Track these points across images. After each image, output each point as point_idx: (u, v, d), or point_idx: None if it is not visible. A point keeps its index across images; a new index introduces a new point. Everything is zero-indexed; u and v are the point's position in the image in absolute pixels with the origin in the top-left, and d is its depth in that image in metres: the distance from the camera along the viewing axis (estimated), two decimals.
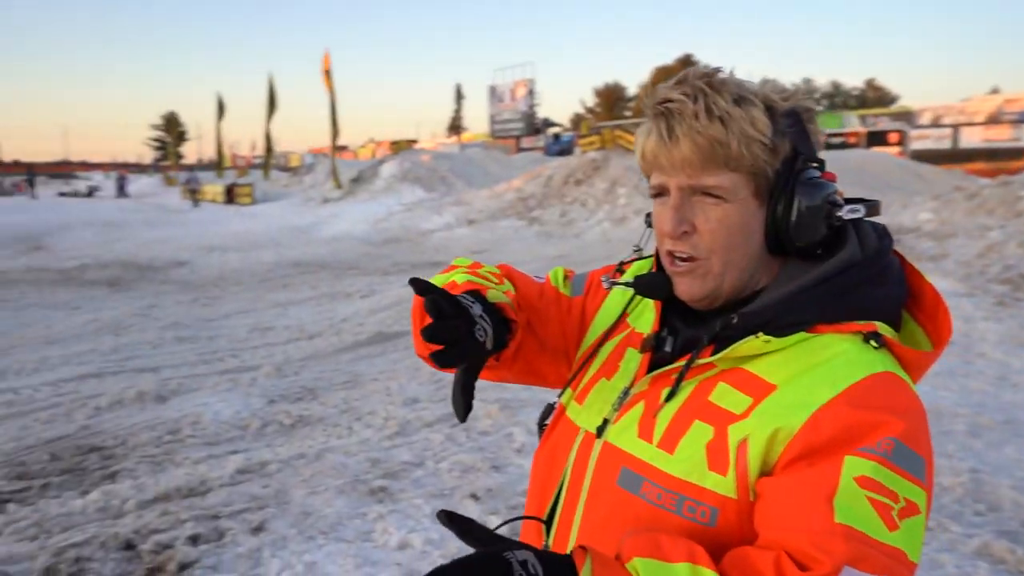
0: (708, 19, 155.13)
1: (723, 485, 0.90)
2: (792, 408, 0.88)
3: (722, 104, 0.93)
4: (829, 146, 26.16)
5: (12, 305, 10.57)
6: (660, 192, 1.01)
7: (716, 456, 0.91)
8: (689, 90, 0.95)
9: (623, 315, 1.17)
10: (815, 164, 0.99)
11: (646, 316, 1.12)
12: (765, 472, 0.88)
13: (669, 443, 0.94)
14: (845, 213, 0.97)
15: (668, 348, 1.05)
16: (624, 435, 1.00)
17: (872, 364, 0.91)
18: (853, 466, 0.83)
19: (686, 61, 70.26)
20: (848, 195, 1.03)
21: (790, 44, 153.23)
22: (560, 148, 39.10)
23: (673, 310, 1.07)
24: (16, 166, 76.06)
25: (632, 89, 72.17)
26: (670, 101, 0.96)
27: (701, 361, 0.97)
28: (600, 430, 1.03)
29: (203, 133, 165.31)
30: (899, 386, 0.90)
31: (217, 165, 48.54)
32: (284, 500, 4.12)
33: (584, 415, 1.08)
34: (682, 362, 0.99)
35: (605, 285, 1.15)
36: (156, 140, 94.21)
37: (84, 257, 16.21)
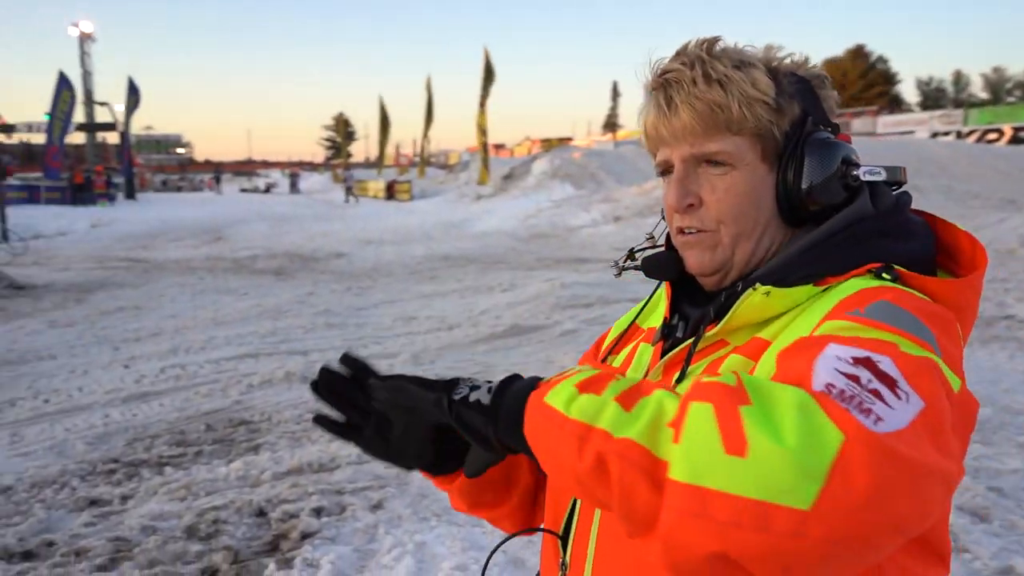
0: (879, 9, 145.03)
1: None
2: (784, 339, 0.83)
3: (720, 68, 0.91)
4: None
5: (191, 290, 11.60)
6: (666, 169, 0.98)
7: None
8: (687, 59, 0.93)
9: (632, 325, 1.13)
10: (826, 128, 0.95)
11: (658, 311, 1.07)
12: None
13: None
14: (863, 173, 0.92)
15: (679, 334, 1.00)
16: None
17: (878, 284, 0.84)
18: (827, 328, 0.77)
19: (857, 52, 66.08)
20: None
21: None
22: None
23: (683, 297, 1.02)
24: (207, 165, 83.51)
25: None
26: (668, 72, 0.93)
27: (708, 334, 0.91)
28: None
29: (370, 132, 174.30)
30: (907, 292, 0.82)
31: (378, 163, 50.98)
32: (404, 481, 4.28)
33: None
34: (691, 341, 0.94)
35: (613, 270, 1.10)
36: (327, 140, 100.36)
37: (256, 248, 17.54)
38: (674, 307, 1.03)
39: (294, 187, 50.51)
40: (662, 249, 1.06)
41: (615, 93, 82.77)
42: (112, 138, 41.73)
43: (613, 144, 51.52)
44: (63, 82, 31.02)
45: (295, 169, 61.17)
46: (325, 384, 0.92)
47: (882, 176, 0.92)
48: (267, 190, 53.81)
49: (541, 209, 23.31)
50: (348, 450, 4.79)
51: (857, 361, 0.68)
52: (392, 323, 8.87)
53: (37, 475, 4.51)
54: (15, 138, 44.53)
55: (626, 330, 1.13)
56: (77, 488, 4.34)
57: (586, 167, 29.98)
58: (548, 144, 50.84)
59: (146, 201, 37.99)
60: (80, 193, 31.72)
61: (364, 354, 4.68)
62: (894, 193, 0.96)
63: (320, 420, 0.94)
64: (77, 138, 39.02)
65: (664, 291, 1.06)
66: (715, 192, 0.93)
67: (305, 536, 3.68)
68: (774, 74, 0.92)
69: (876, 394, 0.65)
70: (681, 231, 0.97)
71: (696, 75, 0.91)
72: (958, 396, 0.72)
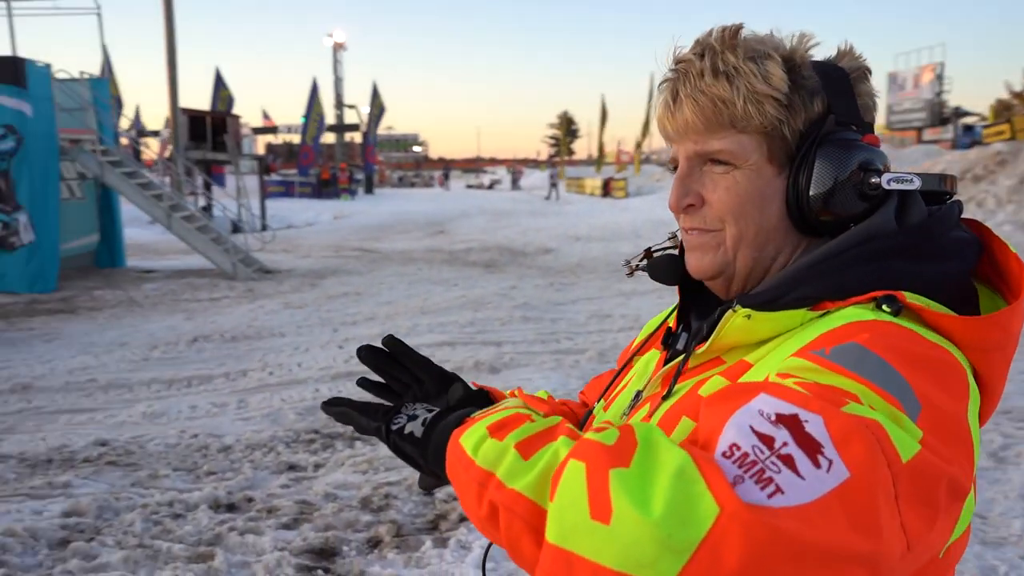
0: None
1: None
2: (759, 372, 0.77)
3: (731, 59, 0.83)
4: None
5: (408, 279, 12.48)
6: (674, 166, 0.93)
7: None
8: (700, 48, 0.86)
9: (663, 324, 1.07)
10: (855, 127, 0.84)
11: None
12: None
13: None
14: (886, 181, 0.81)
15: (680, 345, 0.96)
16: None
17: (870, 318, 0.74)
18: (786, 367, 0.71)
19: None
20: None
21: None
22: (973, 140, 34.16)
23: (694, 306, 0.98)
24: (439, 162, 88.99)
25: None
26: (679, 63, 0.87)
27: (699, 352, 0.85)
28: None
29: (592, 130, 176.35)
30: (901, 332, 0.72)
31: (598, 161, 51.35)
32: None
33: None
34: (680, 359, 0.89)
35: (625, 270, 1.08)
36: (552, 138, 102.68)
37: (472, 241, 18.45)
38: (684, 314, 0.99)
39: (515, 183, 52.39)
40: (674, 251, 1.01)
41: None
42: (359, 138, 45.69)
43: None
44: (315, 88, 34.50)
45: (518, 166, 63.40)
46: (368, 357, 1.01)
47: (914, 184, 0.81)
48: (491, 186, 56.34)
49: None
50: None
51: (780, 419, 0.61)
52: (587, 320, 8.95)
53: (253, 438, 5.12)
54: (280, 138, 50.43)
55: (655, 330, 1.08)
56: (281, 453, 4.87)
57: None
58: None
59: (383, 196, 41.32)
60: (326, 188, 35.24)
61: (554, 348, 4.84)
62: (941, 205, 0.84)
63: (363, 383, 1.03)
64: (329, 138, 43.23)
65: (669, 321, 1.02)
66: (716, 191, 0.87)
67: (463, 519, 3.85)
68: (794, 67, 0.84)
69: (787, 460, 0.58)
70: (687, 232, 0.92)
71: (704, 67, 0.84)
72: (914, 463, 0.61)
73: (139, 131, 31.32)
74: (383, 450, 4.86)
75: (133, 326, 8.96)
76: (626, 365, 1.09)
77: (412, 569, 3.42)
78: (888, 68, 50.24)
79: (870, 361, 0.67)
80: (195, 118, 22.18)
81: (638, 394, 0.96)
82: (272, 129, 42.80)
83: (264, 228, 20.86)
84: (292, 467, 4.66)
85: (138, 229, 18.00)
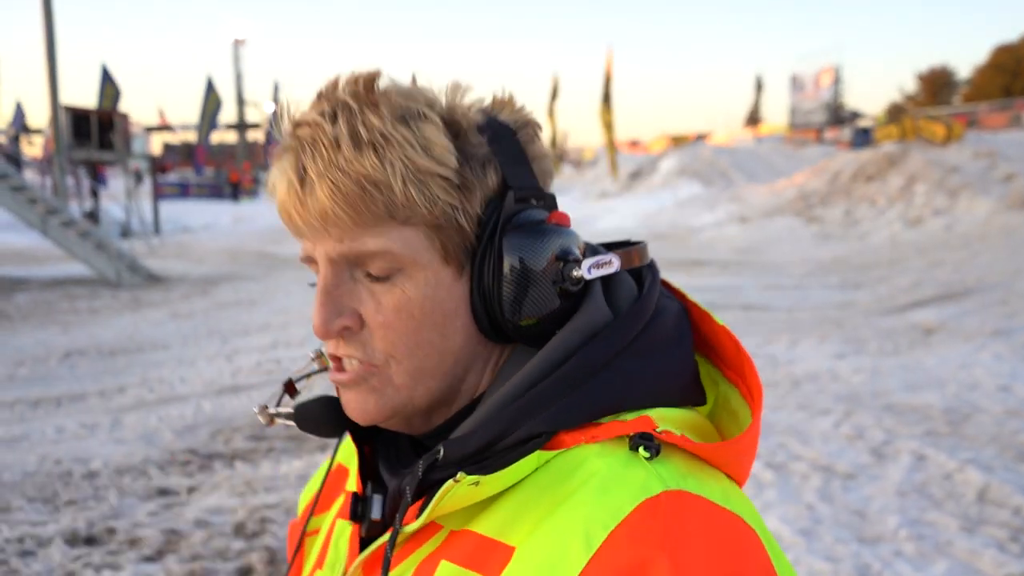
0: None
1: None
2: None
3: (375, 124, 0.61)
4: None
5: (306, 285, 12.06)
6: (313, 269, 0.70)
7: None
8: (329, 106, 0.63)
9: (335, 466, 0.85)
10: (536, 201, 0.67)
11: (354, 469, 0.79)
12: None
13: None
14: (587, 270, 0.65)
15: (376, 514, 0.73)
16: None
17: (643, 486, 0.58)
18: None
19: None
20: None
21: None
22: (867, 141, 36.03)
23: (380, 453, 0.75)
24: None
25: (964, 72, 63.74)
26: (300, 126, 0.64)
27: (408, 528, 0.63)
28: None
29: None
30: (687, 522, 0.57)
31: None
32: None
33: None
34: (388, 537, 0.66)
35: (262, 419, 0.77)
36: None
37: None
38: (367, 468, 0.75)
39: None
40: (326, 394, 0.78)
41: (758, 86, 79.38)
42: (262, 137, 44.38)
43: (755, 140, 49.59)
44: (210, 87, 33.25)
45: None
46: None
47: (615, 266, 0.66)
48: None
49: (664, 208, 22.77)
50: None
51: None
52: None
53: (123, 462, 4.76)
54: (177, 138, 48.43)
55: (326, 474, 0.85)
56: (153, 477, 4.55)
57: (716, 165, 29.03)
58: (677, 141, 49.49)
59: None
60: (226, 189, 34.07)
61: None
62: (643, 276, 0.71)
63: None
64: (231, 137, 41.80)
65: (352, 447, 0.79)
66: (380, 312, 0.65)
67: None
68: (459, 132, 0.64)
69: None
70: (338, 363, 0.68)
71: (339, 133, 0.62)
72: None
73: (20, 129, 29.48)
74: (264, 470, 4.61)
75: None
76: (298, 549, 0.86)
77: None
78: (792, 70, 52.54)
79: None
80: (79, 116, 20.97)
81: None
82: (168, 128, 41.05)
83: (157, 232, 19.93)
84: (163, 492, 4.34)
85: (14, 235, 16.86)
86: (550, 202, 0.68)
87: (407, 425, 0.70)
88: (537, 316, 0.65)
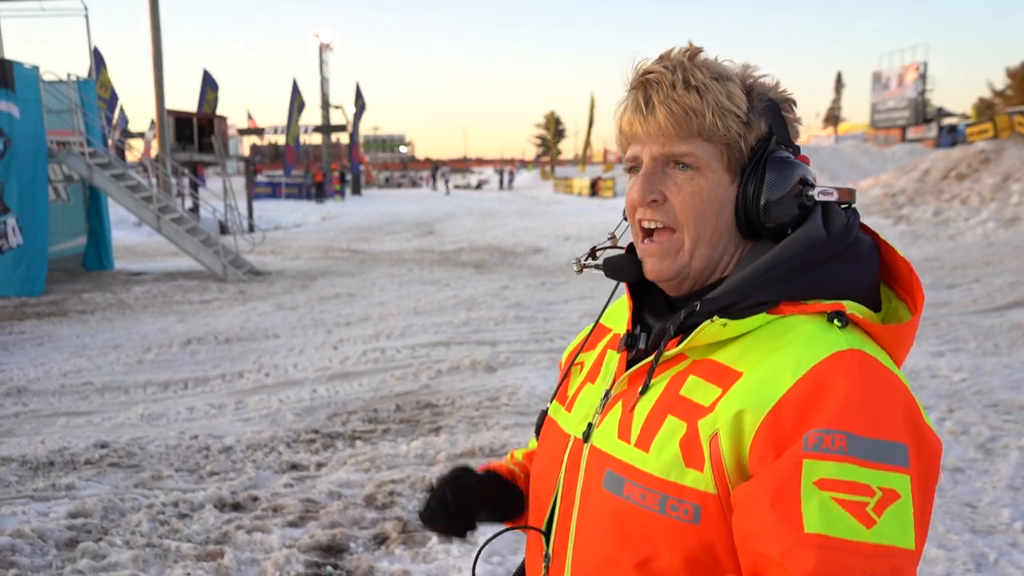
0: None
1: (702, 481, 0.87)
2: (756, 396, 0.86)
3: (700, 76, 0.94)
4: None
5: (399, 280, 12.51)
6: (634, 165, 1.01)
7: (691, 452, 0.88)
8: (669, 63, 0.96)
9: (597, 324, 1.18)
10: (787, 148, 0.99)
11: (623, 314, 1.10)
12: (740, 464, 0.86)
13: (644, 441, 0.93)
14: (817, 194, 0.96)
15: (642, 345, 1.03)
16: (606, 437, 0.99)
17: (836, 343, 0.87)
18: (812, 470, 0.80)
19: None
20: None
21: None
22: (954, 139, 34.53)
23: (645, 305, 1.06)
24: (426, 162, 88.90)
25: None
26: (650, 73, 0.97)
27: (668, 353, 0.95)
28: (586, 435, 1.03)
29: (579, 130, 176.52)
30: (863, 366, 0.86)
31: (581, 161, 51.54)
32: None
33: (572, 421, 1.07)
34: (652, 357, 0.97)
35: (575, 267, 1.13)
36: (539, 138, 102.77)
37: (461, 242, 18.49)
38: (636, 314, 1.06)
39: (503, 183, 52.49)
40: (623, 251, 1.09)
41: (839, 83, 77.06)
42: (345, 139, 45.58)
43: (834, 139, 48.17)
44: (296, 89, 34.38)
45: (508, 166, 63.55)
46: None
47: (834, 196, 0.96)
48: (479, 186, 56.39)
49: None
50: (519, 438, 5.01)
51: None
52: (579, 319, 9.02)
53: (253, 439, 5.15)
54: (265, 140, 50.20)
55: (590, 334, 1.18)
56: (282, 453, 4.91)
57: None
58: None
59: (370, 197, 41.27)
60: (320, 190, 35.18)
61: (548, 347, 4.94)
62: (848, 212, 0.98)
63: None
64: (316, 139, 43.05)
65: (626, 298, 1.10)
66: (680, 193, 0.96)
67: None
68: (748, 91, 0.97)
69: None
70: (646, 234, 1.00)
71: (676, 79, 0.94)
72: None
73: (123, 131, 31.13)
74: (384, 449, 4.92)
75: (125, 329, 8.96)
76: (571, 366, 1.16)
77: (420, 564, 3.47)
78: (873, 67, 50.73)
79: (880, 448, 0.81)
80: (182, 119, 22.10)
81: (607, 394, 1.03)
82: (258, 131, 42.59)
83: (252, 229, 20.81)
84: (294, 466, 4.70)
85: (125, 231, 17.93)
86: (796, 151, 1.00)
87: (677, 287, 1.01)
88: (778, 221, 0.95)
